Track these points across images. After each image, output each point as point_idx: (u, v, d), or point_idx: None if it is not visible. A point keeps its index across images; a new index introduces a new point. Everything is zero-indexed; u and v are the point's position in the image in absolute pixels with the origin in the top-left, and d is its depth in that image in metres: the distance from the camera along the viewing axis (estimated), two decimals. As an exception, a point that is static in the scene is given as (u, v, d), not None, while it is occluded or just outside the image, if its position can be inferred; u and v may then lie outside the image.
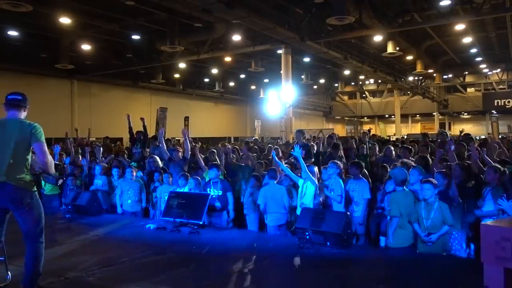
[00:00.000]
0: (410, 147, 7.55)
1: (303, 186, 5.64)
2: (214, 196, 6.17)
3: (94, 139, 11.79)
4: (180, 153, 7.46)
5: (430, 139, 10.50)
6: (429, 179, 4.86)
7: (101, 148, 8.91)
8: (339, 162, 6.04)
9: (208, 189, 6.25)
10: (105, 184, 7.43)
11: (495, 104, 33.34)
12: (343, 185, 5.70)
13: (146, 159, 8.19)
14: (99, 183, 7.45)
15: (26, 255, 3.52)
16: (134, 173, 7.08)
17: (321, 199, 5.62)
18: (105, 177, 7.49)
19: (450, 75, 32.10)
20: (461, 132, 9.71)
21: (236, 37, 16.32)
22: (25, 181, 3.50)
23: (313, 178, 5.56)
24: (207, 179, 6.63)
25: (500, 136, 14.67)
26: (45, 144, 3.62)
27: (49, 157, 3.63)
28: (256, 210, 6.25)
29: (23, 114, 3.67)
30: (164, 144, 7.83)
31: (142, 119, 9.57)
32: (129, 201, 6.96)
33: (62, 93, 22.47)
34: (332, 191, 5.68)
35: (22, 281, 3.53)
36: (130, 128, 9.77)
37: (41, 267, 3.56)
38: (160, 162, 7.56)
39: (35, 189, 3.59)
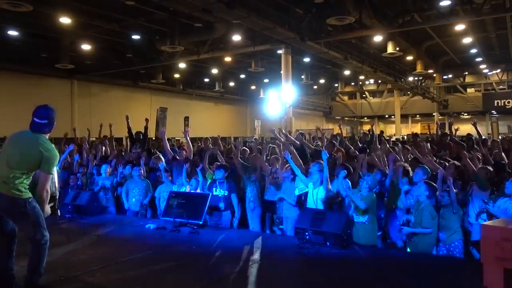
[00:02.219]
0: (408, 147, 7.57)
1: (313, 191, 5.65)
2: (220, 196, 6.19)
3: (94, 139, 11.75)
4: (184, 153, 7.49)
5: (430, 139, 10.51)
6: (426, 181, 4.97)
7: (103, 147, 8.91)
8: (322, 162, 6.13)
9: (214, 189, 6.26)
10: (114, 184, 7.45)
11: (495, 104, 33.34)
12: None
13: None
14: (106, 183, 7.44)
15: (30, 255, 3.55)
16: (142, 172, 7.13)
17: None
18: (112, 177, 7.49)
19: (450, 76, 32.08)
20: (449, 126, 9.79)
21: (236, 37, 16.30)
22: (19, 189, 3.46)
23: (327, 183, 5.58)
24: (209, 180, 6.64)
25: (500, 137, 14.66)
26: (50, 178, 3.62)
27: (46, 193, 3.60)
28: (261, 204, 6.30)
29: (51, 128, 3.67)
30: (167, 143, 7.85)
31: (146, 120, 9.70)
32: (134, 200, 6.99)
33: (62, 93, 22.44)
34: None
35: (23, 279, 3.56)
36: (129, 129, 9.82)
37: (42, 268, 3.58)
38: (163, 162, 7.58)
39: (29, 195, 3.52)
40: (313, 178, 5.64)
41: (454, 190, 4.82)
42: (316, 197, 5.57)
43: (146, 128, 9.91)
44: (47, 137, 3.67)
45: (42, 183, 3.55)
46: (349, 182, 5.61)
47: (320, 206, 5.54)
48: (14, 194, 3.44)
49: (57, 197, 3.89)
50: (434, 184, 4.89)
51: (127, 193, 7.08)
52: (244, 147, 8.20)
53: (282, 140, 8.03)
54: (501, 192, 4.67)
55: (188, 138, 7.65)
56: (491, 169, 5.17)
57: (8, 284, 3.55)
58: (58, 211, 3.78)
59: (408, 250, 4.96)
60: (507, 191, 4.44)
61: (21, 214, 3.49)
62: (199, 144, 9.49)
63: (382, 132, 11.55)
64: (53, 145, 3.68)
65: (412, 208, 5.00)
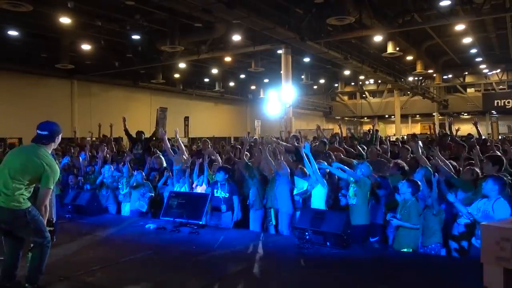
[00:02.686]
0: (408, 147, 7.60)
1: (314, 192, 5.70)
2: (220, 197, 6.19)
3: (94, 139, 11.76)
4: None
5: (430, 139, 10.52)
6: (410, 178, 5.03)
7: (106, 148, 8.89)
8: (324, 162, 6.16)
9: (215, 191, 6.26)
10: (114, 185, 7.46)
11: (495, 104, 33.32)
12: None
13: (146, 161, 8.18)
14: (107, 182, 7.45)
15: (32, 255, 3.60)
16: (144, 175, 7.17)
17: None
18: (112, 178, 7.50)
19: (450, 76, 32.06)
20: (449, 126, 9.79)
21: (236, 37, 16.30)
22: (18, 200, 3.48)
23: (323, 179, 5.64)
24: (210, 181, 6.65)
25: (500, 137, 14.67)
26: (50, 192, 3.65)
27: (45, 208, 3.62)
28: (262, 207, 6.30)
29: (54, 142, 3.75)
30: (168, 144, 7.78)
31: (159, 129, 9.66)
32: (137, 204, 7.00)
33: (62, 93, 22.44)
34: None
35: (24, 278, 3.60)
36: (126, 130, 9.72)
37: (44, 267, 3.64)
38: (164, 163, 7.57)
39: (28, 205, 3.55)
40: (310, 180, 5.71)
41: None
42: (318, 196, 5.63)
43: (154, 134, 9.91)
44: (50, 151, 3.72)
45: (42, 198, 3.59)
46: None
47: (316, 202, 5.60)
48: (13, 206, 3.47)
49: (54, 221, 3.91)
50: (417, 181, 4.93)
51: (130, 195, 7.08)
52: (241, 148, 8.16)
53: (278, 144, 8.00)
54: (479, 194, 4.65)
55: (179, 138, 7.63)
56: (478, 170, 5.16)
57: (9, 284, 3.58)
58: (55, 237, 3.81)
59: (394, 247, 4.97)
60: (483, 191, 4.44)
61: (22, 225, 3.53)
62: (198, 143, 9.49)
63: (377, 131, 11.47)
64: (55, 161, 3.74)
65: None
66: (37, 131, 3.69)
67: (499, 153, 6.61)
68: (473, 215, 4.44)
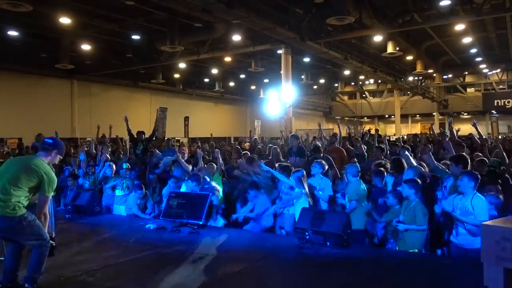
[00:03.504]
0: (409, 147, 7.66)
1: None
2: None
3: (94, 138, 11.75)
4: (186, 155, 7.44)
5: (431, 139, 10.53)
6: (410, 178, 5.05)
7: (109, 148, 8.86)
8: (323, 161, 6.17)
9: None
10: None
11: (495, 104, 33.35)
12: (330, 184, 6.03)
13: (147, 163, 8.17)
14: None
15: (31, 255, 3.61)
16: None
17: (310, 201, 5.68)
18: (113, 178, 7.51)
19: (450, 75, 32.09)
20: (449, 125, 9.84)
21: (236, 37, 16.30)
22: (14, 208, 3.50)
23: (300, 188, 5.63)
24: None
25: (500, 137, 14.67)
26: (49, 200, 3.69)
27: (44, 216, 3.66)
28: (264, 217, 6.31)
29: (51, 156, 3.82)
30: (186, 165, 7.51)
31: (164, 138, 9.61)
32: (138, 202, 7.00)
33: (62, 93, 22.45)
34: (321, 190, 5.90)
35: (23, 278, 3.60)
36: (129, 130, 9.69)
37: (43, 267, 3.65)
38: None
39: (23, 211, 3.55)
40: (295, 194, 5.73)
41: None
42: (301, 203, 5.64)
43: (153, 133, 9.85)
44: (47, 161, 3.78)
45: (41, 206, 3.62)
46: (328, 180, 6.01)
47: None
48: (7, 213, 3.48)
49: (54, 236, 3.94)
50: (416, 179, 4.98)
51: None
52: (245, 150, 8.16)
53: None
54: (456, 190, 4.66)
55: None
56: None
57: (10, 284, 3.60)
58: (54, 252, 3.85)
59: (397, 248, 4.97)
60: (459, 189, 4.44)
61: (18, 231, 3.55)
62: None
63: (377, 130, 11.52)
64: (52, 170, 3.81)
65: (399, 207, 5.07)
66: (44, 140, 3.88)
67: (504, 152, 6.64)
68: (450, 212, 4.45)
